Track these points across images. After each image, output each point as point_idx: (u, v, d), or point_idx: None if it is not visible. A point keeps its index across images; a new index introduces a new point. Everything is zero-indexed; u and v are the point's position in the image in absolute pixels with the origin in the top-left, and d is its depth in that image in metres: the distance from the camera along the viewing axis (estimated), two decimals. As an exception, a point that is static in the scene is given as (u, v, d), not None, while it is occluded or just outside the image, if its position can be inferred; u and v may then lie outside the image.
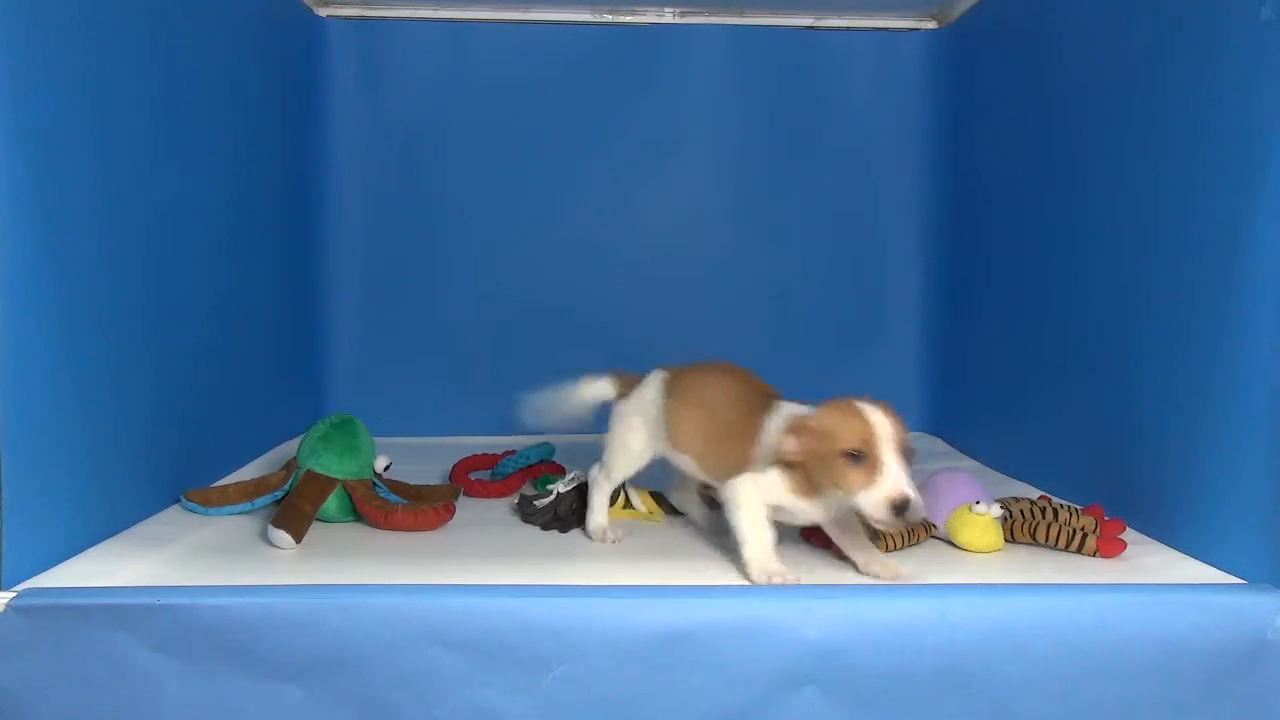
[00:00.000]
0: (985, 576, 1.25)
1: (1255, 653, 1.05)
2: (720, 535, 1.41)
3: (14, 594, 1.06)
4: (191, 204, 1.55)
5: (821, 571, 1.26)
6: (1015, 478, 1.77)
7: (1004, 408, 1.91)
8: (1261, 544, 1.14)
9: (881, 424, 1.17)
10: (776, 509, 1.24)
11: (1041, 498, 1.49)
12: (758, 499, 1.23)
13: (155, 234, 1.43)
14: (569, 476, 1.51)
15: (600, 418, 1.49)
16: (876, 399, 1.22)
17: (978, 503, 1.36)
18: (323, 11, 2.22)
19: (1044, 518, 1.36)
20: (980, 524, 1.34)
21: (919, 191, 2.29)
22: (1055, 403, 1.66)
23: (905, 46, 2.28)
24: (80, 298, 1.23)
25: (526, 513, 1.47)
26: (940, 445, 2.16)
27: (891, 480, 1.13)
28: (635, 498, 1.54)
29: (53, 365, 1.17)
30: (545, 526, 1.45)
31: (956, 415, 2.17)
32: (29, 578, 1.12)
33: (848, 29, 2.28)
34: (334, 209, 2.25)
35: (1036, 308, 1.75)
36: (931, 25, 2.28)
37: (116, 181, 1.32)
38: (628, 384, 1.48)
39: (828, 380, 2.23)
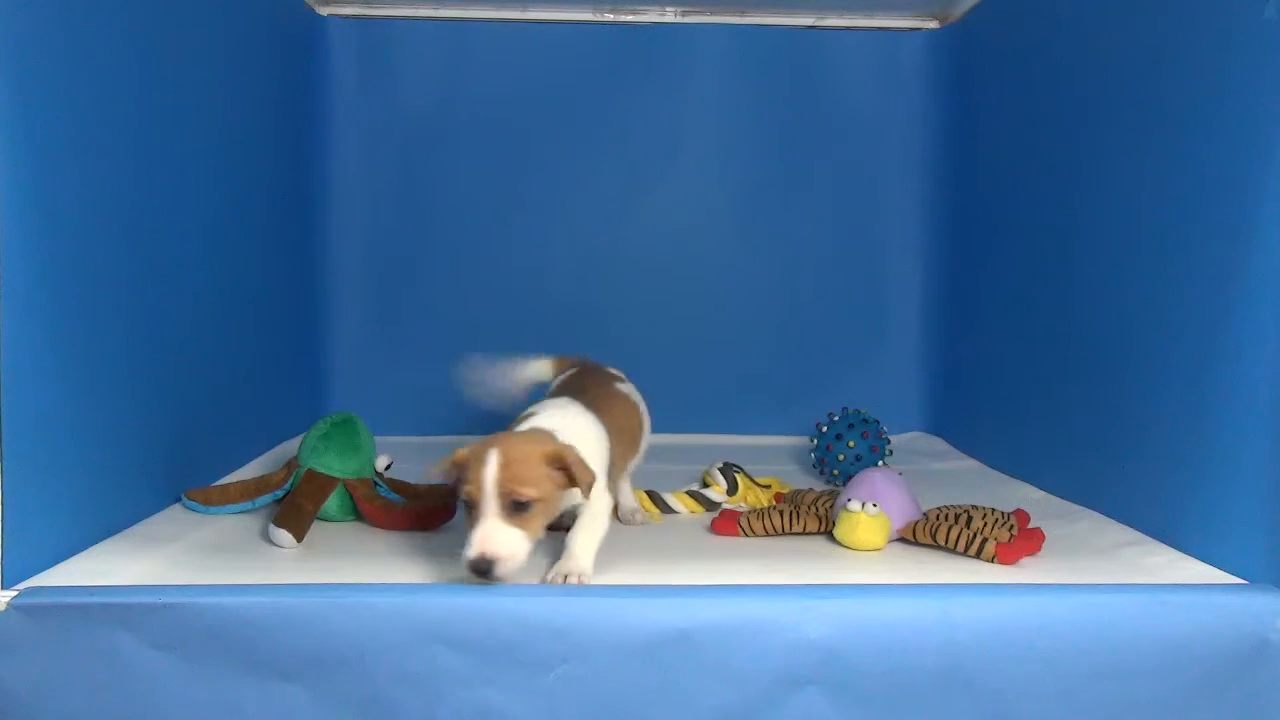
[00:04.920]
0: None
1: (1256, 652, 1.05)
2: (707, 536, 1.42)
3: (15, 593, 1.06)
4: (192, 203, 1.55)
5: (821, 571, 1.26)
6: (1015, 478, 1.78)
7: (1004, 408, 1.91)
8: (1262, 544, 1.14)
9: (489, 478, 1.11)
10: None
11: (975, 507, 1.43)
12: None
13: (156, 233, 1.43)
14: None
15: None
16: (522, 436, 1.19)
17: (850, 500, 1.35)
18: (324, 10, 2.22)
19: (954, 522, 1.34)
20: (851, 521, 1.34)
21: (920, 191, 2.29)
22: (1055, 403, 1.66)
23: (906, 46, 2.28)
24: (81, 297, 1.23)
25: None
26: (940, 445, 2.16)
27: (475, 539, 1.10)
28: (632, 497, 1.55)
29: (54, 365, 1.17)
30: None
31: (956, 415, 2.17)
32: (30, 576, 1.11)
33: (849, 29, 2.28)
34: (334, 208, 2.25)
35: (1037, 308, 1.75)
36: (933, 25, 2.28)
37: (116, 180, 1.32)
38: (560, 367, 1.50)
39: (828, 380, 2.25)
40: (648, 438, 1.52)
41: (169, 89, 1.47)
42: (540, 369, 1.53)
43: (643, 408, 1.50)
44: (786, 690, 1.04)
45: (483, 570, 1.08)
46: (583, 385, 1.43)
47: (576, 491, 1.19)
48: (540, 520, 1.15)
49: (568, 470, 1.16)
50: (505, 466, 1.12)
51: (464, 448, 1.17)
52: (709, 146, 2.30)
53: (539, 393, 1.51)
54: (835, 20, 2.27)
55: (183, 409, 1.51)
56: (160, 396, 1.44)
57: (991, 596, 1.08)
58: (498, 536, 1.10)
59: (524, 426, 1.26)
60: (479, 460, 1.12)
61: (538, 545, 1.32)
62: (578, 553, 1.19)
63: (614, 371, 1.55)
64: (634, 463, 1.45)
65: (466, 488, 1.12)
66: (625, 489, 1.51)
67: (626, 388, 1.50)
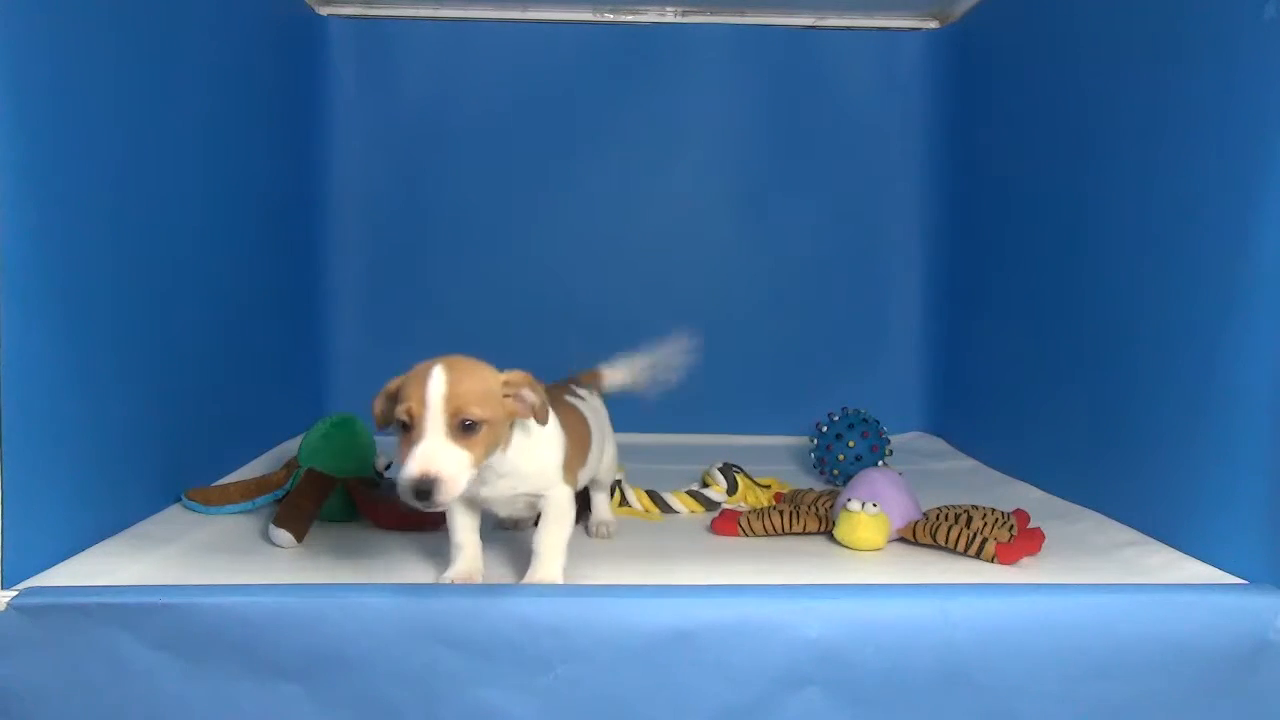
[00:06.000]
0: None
1: (1256, 653, 1.05)
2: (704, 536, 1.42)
3: (15, 593, 1.06)
4: (191, 202, 1.55)
5: (821, 571, 1.26)
6: (1015, 478, 1.78)
7: (1004, 408, 1.91)
8: (1262, 544, 1.14)
9: (435, 391, 1.01)
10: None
11: (975, 507, 1.43)
12: (456, 504, 1.14)
13: (155, 233, 1.43)
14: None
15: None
16: (468, 360, 1.07)
17: (850, 500, 1.35)
18: (324, 10, 2.22)
19: (954, 522, 1.34)
20: (851, 521, 1.34)
21: (920, 191, 2.29)
22: (1055, 403, 1.66)
23: (906, 46, 2.28)
24: (81, 297, 1.23)
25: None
26: (940, 445, 2.16)
27: (416, 458, 0.99)
28: (632, 496, 1.55)
29: (53, 365, 1.17)
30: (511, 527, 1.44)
31: (956, 415, 2.17)
32: (30, 576, 1.11)
33: (849, 29, 2.28)
34: (334, 207, 2.25)
35: (1037, 308, 1.75)
36: (933, 25, 2.28)
37: (115, 179, 1.32)
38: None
39: (828, 380, 2.25)
40: (606, 449, 1.44)
41: (168, 89, 1.47)
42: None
43: (594, 421, 1.39)
44: (786, 690, 1.04)
45: (424, 491, 0.98)
46: None
47: (541, 487, 1.15)
48: (484, 448, 1.05)
49: (519, 396, 1.08)
50: (455, 383, 1.02)
51: (396, 378, 1.08)
52: (709, 146, 2.29)
53: None
54: (835, 20, 2.27)
55: (183, 409, 1.51)
56: (160, 396, 1.44)
57: (991, 596, 1.08)
58: (441, 455, 0.99)
59: None
60: (422, 376, 1.03)
61: (508, 543, 1.32)
62: (546, 558, 1.14)
63: (575, 388, 1.47)
64: (586, 473, 1.34)
65: (405, 405, 1.01)
66: (601, 501, 1.47)
67: (580, 402, 1.40)
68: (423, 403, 1.01)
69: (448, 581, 1.14)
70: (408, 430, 1.02)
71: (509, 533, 1.39)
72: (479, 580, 1.16)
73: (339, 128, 2.24)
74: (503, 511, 1.21)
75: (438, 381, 1.02)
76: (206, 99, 1.60)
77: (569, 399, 1.38)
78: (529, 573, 1.15)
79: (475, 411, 1.02)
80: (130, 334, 1.36)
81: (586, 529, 1.42)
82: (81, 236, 1.23)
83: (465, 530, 1.18)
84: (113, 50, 1.31)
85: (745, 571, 1.24)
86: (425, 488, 0.98)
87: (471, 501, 1.19)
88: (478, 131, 2.26)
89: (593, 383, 1.50)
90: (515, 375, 1.10)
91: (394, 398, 1.07)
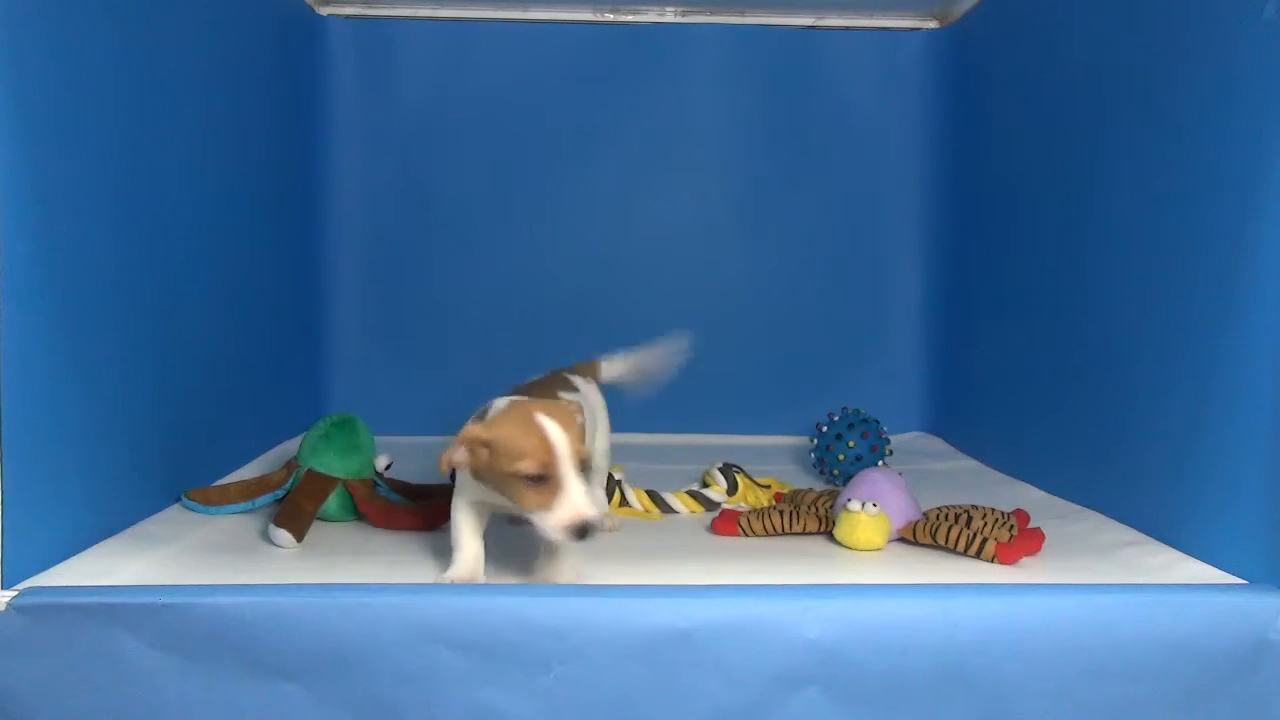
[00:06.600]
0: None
1: (1256, 653, 1.05)
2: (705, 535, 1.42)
3: (15, 593, 1.06)
4: (191, 202, 1.55)
5: (821, 571, 1.26)
6: (1015, 478, 1.78)
7: (1004, 408, 1.91)
8: (1262, 544, 1.13)
9: (560, 441, 1.10)
10: (481, 502, 1.20)
11: (975, 507, 1.43)
12: (464, 506, 1.20)
13: (155, 233, 1.43)
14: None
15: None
16: (552, 403, 1.17)
17: (850, 500, 1.35)
18: (324, 10, 2.22)
19: (954, 522, 1.34)
20: (851, 521, 1.34)
21: (920, 191, 2.29)
22: (1056, 403, 1.66)
23: (906, 46, 2.28)
24: (81, 297, 1.23)
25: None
26: (940, 445, 2.16)
27: (570, 505, 1.09)
28: (632, 496, 1.55)
29: (53, 364, 1.17)
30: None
31: (956, 415, 2.17)
32: (30, 576, 1.11)
33: (849, 29, 2.28)
34: (334, 208, 2.25)
35: (1037, 308, 1.75)
36: (933, 25, 2.28)
37: (116, 180, 1.32)
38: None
39: (828, 380, 2.25)
40: (598, 440, 1.45)
41: (168, 89, 1.47)
42: None
43: (587, 411, 1.38)
44: (786, 690, 1.04)
45: (585, 533, 1.09)
46: (528, 389, 1.41)
47: None
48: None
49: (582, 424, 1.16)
50: (568, 428, 1.11)
51: (474, 427, 1.15)
52: (709, 146, 2.30)
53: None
54: (835, 20, 2.27)
55: (183, 409, 1.51)
56: (160, 396, 1.44)
57: (991, 596, 1.08)
58: (585, 498, 1.10)
59: (486, 410, 1.22)
60: (538, 430, 1.10)
61: (509, 542, 1.32)
62: (567, 552, 1.19)
63: (571, 378, 1.48)
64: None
65: (535, 459, 1.09)
66: (597, 492, 1.47)
67: (575, 394, 1.42)
68: (552, 454, 1.10)
69: (448, 581, 1.15)
70: (540, 481, 1.10)
71: (507, 531, 1.39)
72: (480, 581, 1.17)
73: (339, 128, 2.24)
74: (518, 510, 1.21)
75: (557, 434, 1.10)
76: (206, 99, 1.60)
77: (562, 391, 1.39)
78: (553, 569, 1.18)
79: (584, 450, 1.13)
80: (130, 334, 1.36)
81: None
82: (81, 235, 1.23)
83: (470, 533, 1.20)
84: (112, 50, 1.31)
85: (745, 571, 1.24)
86: (586, 531, 1.09)
87: (481, 504, 1.20)
88: (478, 131, 2.26)
89: (590, 373, 1.51)
90: (575, 404, 1.21)
91: (487, 447, 1.12)
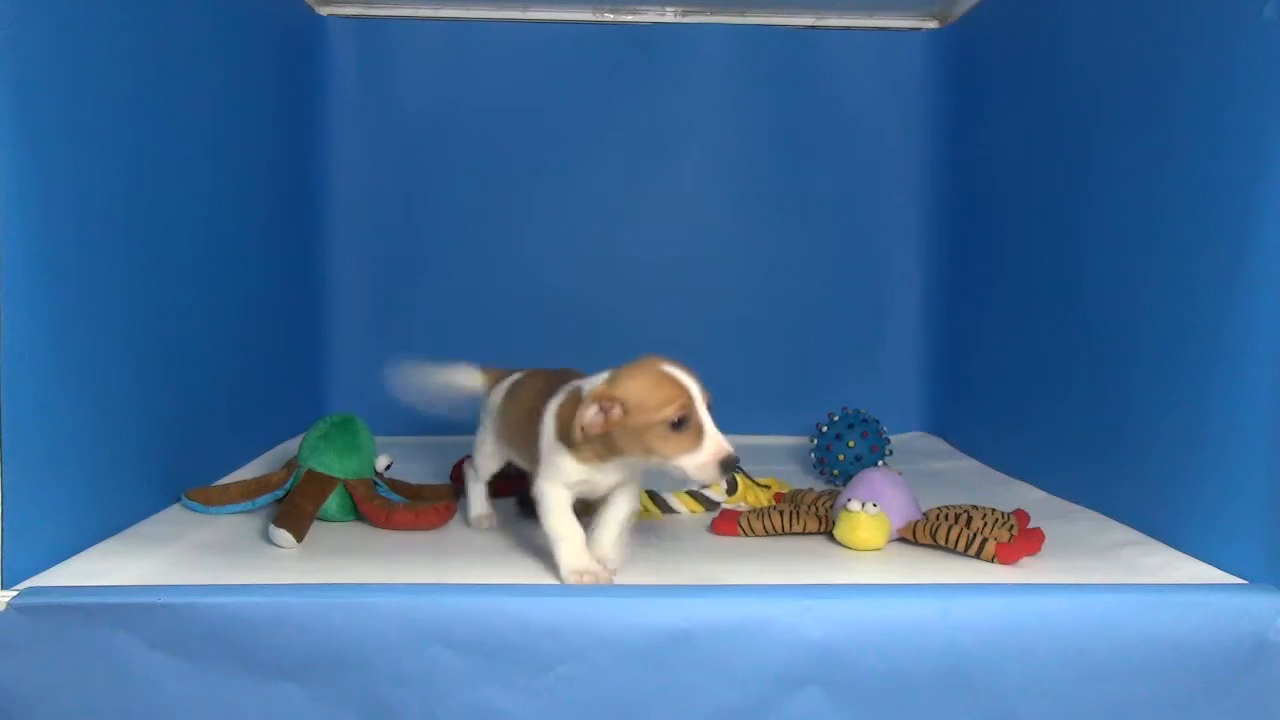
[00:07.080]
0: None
1: (1256, 653, 1.05)
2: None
3: (15, 593, 1.06)
4: (191, 203, 1.55)
5: (821, 571, 1.26)
6: (1016, 478, 1.78)
7: (1004, 408, 1.91)
8: (1262, 544, 1.14)
9: (693, 385, 1.16)
10: (580, 483, 1.23)
11: (975, 507, 1.43)
12: (558, 493, 1.22)
13: (155, 233, 1.43)
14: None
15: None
16: (663, 356, 1.19)
17: (850, 500, 1.35)
18: (324, 10, 2.22)
19: (954, 522, 1.34)
20: (851, 521, 1.34)
21: (920, 190, 2.29)
22: (1055, 403, 1.66)
23: (906, 46, 2.28)
24: (81, 297, 1.23)
25: (526, 509, 1.47)
26: (940, 445, 2.16)
27: (715, 442, 1.14)
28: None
29: (54, 365, 1.17)
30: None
31: (956, 415, 2.17)
32: (30, 577, 1.11)
33: (849, 28, 2.28)
34: (334, 208, 2.25)
35: (1037, 308, 1.75)
36: (933, 25, 2.28)
37: (116, 181, 1.32)
38: (494, 380, 1.48)
39: (828, 380, 2.25)
40: None
41: (168, 89, 1.47)
42: (470, 379, 1.51)
43: None
44: (786, 690, 1.04)
45: (732, 465, 1.15)
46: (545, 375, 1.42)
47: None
48: None
49: None
50: (694, 375, 1.17)
51: (602, 386, 1.17)
52: (709, 146, 2.29)
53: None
54: (835, 20, 2.27)
55: (183, 409, 1.51)
56: (161, 396, 1.44)
57: (991, 596, 1.08)
58: (721, 435, 1.15)
59: (566, 390, 1.26)
60: (673, 378, 1.15)
61: (522, 537, 1.32)
62: (618, 535, 1.25)
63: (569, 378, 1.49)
64: None
65: (678, 405, 1.13)
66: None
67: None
68: (690, 398, 1.15)
69: (575, 580, 1.17)
70: (681, 426, 1.14)
71: (515, 526, 1.41)
72: (608, 573, 1.19)
73: (339, 127, 2.24)
74: (598, 496, 1.26)
75: (689, 379, 1.16)
76: (206, 99, 1.60)
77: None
78: (609, 547, 1.24)
79: (709, 393, 1.18)
80: (131, 334, 1.35)
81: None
82: (81, 235, 1.23)
83: (571, 520, 1.22)
84: (113, 50, 1.31)
85: (745, 571, 1.24)
86: (734, 461, 1.15)
87: (582, 483, 1.22)
88: (478, 131, 2.26)
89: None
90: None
91: (620, 404, 1.15)
